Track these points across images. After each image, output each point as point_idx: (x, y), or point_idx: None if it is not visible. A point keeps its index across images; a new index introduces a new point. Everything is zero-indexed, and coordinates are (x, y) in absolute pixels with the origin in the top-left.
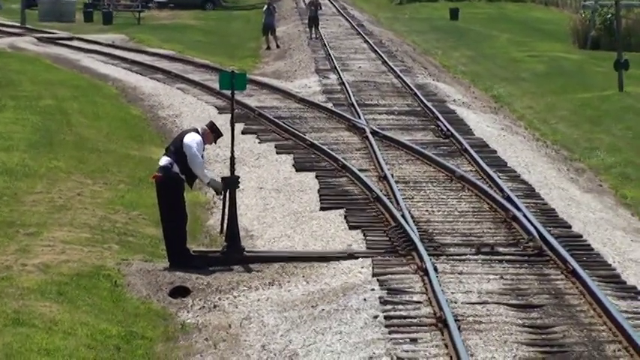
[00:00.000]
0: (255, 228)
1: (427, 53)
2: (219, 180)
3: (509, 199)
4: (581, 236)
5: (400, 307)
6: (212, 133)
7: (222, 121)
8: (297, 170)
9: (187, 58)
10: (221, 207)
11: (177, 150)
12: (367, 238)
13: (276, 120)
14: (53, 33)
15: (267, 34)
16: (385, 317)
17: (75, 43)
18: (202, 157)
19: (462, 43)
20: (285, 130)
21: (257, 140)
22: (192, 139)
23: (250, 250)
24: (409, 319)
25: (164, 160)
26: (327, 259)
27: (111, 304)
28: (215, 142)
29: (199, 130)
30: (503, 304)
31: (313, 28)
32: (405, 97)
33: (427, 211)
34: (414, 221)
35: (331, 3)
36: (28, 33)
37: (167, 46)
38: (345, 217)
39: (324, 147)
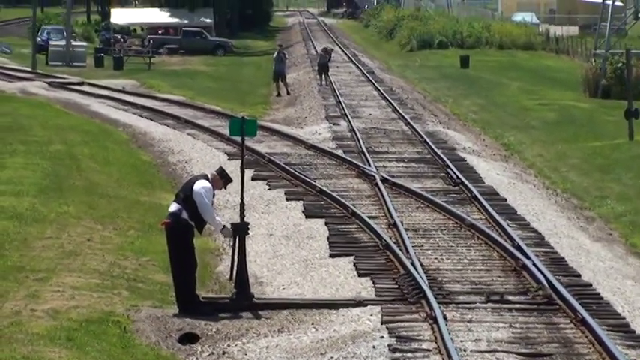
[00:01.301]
0: (264, 274)
1: (437, 101)
2: (230, 226)
3: (518, 247)
4: (590, 285)
5: (409, 355)
6: (221, 179)
7: (232, 168)
8: (306, 217)
9: (198, 104)
10: (230, 253)
11: (186, 197)
12: (376, 285)
13: (286, 167)
14: (64, 78)
15: (278, 81)
16: None
17: (85, 88)
18: (212, 203)
19: (472, 90)
20: (295, 177)
21: (267, 187)
22: (201, 187)
23: (259, 296)
24: None
25: (173, 207)
26: (337, 306)
27: (120, 350)
28: (225, 188)
29: (209, 176)
30: (513, 352)
31: (323, 75)
32: (415, 144)
33: (437, 258)
34: (423, 269)
35: (342, 50)
36: (39, 78)
37: (177, 92)
38: (355, 264)
39: (334, 194)
